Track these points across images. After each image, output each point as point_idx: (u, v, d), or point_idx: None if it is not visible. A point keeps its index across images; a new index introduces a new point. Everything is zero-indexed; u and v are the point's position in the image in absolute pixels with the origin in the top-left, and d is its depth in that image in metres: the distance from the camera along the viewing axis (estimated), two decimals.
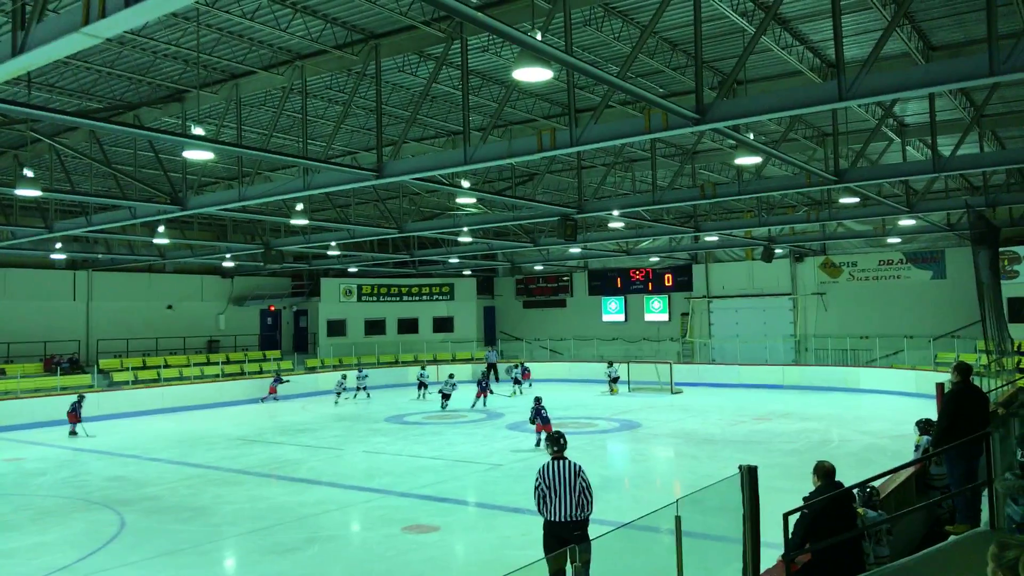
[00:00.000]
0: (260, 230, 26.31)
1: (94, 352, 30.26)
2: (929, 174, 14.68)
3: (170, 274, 33.11)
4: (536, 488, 7.45)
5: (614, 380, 29.81)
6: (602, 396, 29.01)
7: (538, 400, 17.97)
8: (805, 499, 6.26)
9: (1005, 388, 15.97)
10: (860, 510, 6.78)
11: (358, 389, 29.78)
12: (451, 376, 26.91)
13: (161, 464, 17.17)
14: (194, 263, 31.33)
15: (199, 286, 34.38)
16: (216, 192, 20.58)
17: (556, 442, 7.66)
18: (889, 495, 7.70)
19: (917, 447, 10.27)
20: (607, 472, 15.64)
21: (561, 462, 7.45)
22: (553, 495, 7.30)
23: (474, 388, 27.74)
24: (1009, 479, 4.22)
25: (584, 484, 7.39)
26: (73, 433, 21.28)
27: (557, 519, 7.28)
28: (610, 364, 30.55)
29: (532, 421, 17.84)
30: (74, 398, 21.96)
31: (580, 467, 7.47)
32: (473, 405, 26.17)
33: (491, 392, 27.58)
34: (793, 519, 5.73)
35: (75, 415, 21.48)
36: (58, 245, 24.92)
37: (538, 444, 17.71)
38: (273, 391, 29.29)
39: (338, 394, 29.10)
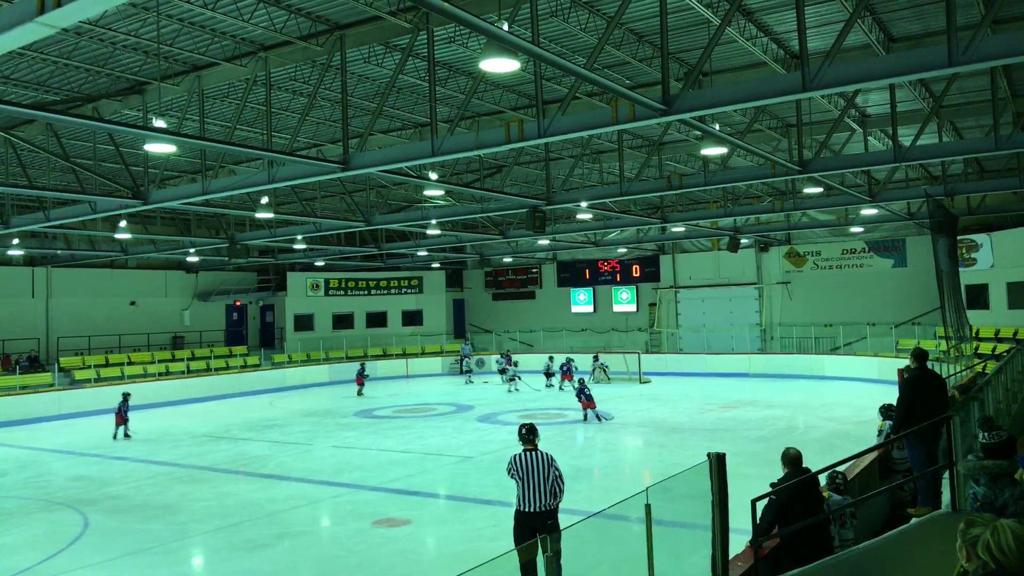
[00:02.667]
0: (224, 224, 25.99)
1: (54, 350, 29.65)
2: (890, 164, 14.92)
3: (133, 270, 32.53)
4: (508, 471, 7.46)
5: (603, 369, 30.37)
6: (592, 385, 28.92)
7: (582, 381, 21.15)
8: (772, 485, 6.35)
9: (964, 373, 16.37)
10: (825, 494, 6.90)
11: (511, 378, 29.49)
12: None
13: (126, 463, 16.89)
14: (157, 258, 30.79)
15: (163, 281, 33.83)
16: (179, 186, 20.23)
17: (531, 432, 7.63)
18: (853, 479, 7.85)
19: (880, 432, 10.47)
20: (577, 462, 15.72)
21: (533, 453, 7.46)
22: (526, 485, 7.31)
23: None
24: (971, 460, 4.32)
25: (557, 473, 7.41)
26: (127, 435, 20.05)
27: (530, 509, 7.28)
28: (596, 357, 31.04)
29: (578, 398, 20.75)
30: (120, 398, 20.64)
31: (552, 457, 7.49)
32: (561, 387, 27.73)
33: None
34: (761, 505, 5.81)
35: (121, 415, 20.22)
36: (15, 241, 24.34)
37: (585, 419, 20.44)
38: (360, 383, 29.21)
39: (512, 379, 29.11)
